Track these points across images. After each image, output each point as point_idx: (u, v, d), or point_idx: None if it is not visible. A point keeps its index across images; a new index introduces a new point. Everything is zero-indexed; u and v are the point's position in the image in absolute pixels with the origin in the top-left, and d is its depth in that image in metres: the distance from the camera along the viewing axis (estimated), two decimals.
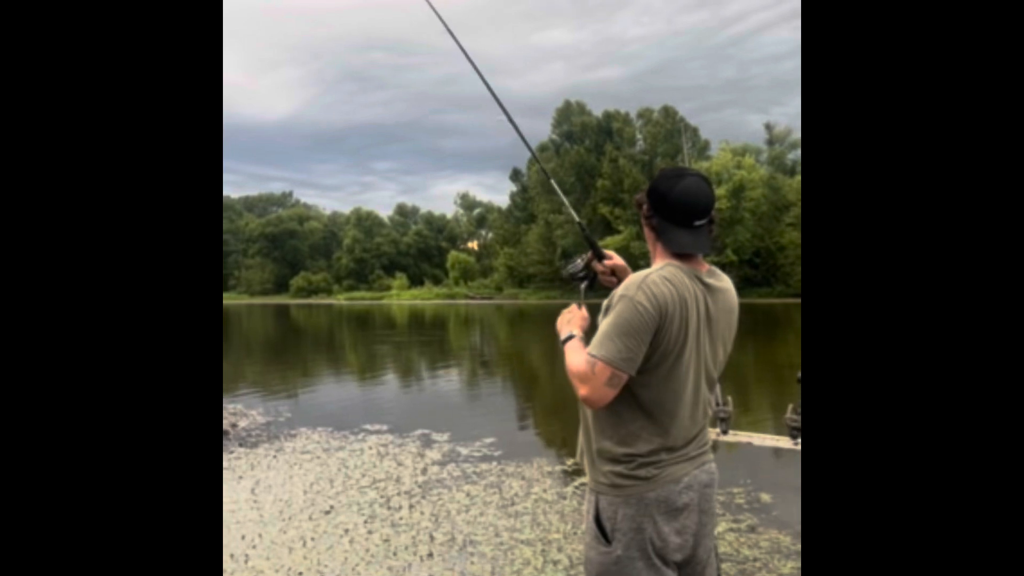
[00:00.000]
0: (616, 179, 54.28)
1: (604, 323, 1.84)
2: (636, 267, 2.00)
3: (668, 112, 58.48)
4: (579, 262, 2.20)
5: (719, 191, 43.07)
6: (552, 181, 2.63)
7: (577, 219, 2.42)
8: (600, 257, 2.20)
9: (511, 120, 2.47)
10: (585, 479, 2.01)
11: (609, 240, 50.39)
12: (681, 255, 1.90)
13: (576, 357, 1.89)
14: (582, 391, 1.83)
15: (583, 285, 2.21)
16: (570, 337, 2.00)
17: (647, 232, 1.98)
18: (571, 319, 2.08)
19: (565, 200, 2.56)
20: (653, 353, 1.82)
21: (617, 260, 2.21)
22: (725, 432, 4.12)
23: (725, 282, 1.98)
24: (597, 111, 62.91)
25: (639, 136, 60.32)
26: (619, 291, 1.85)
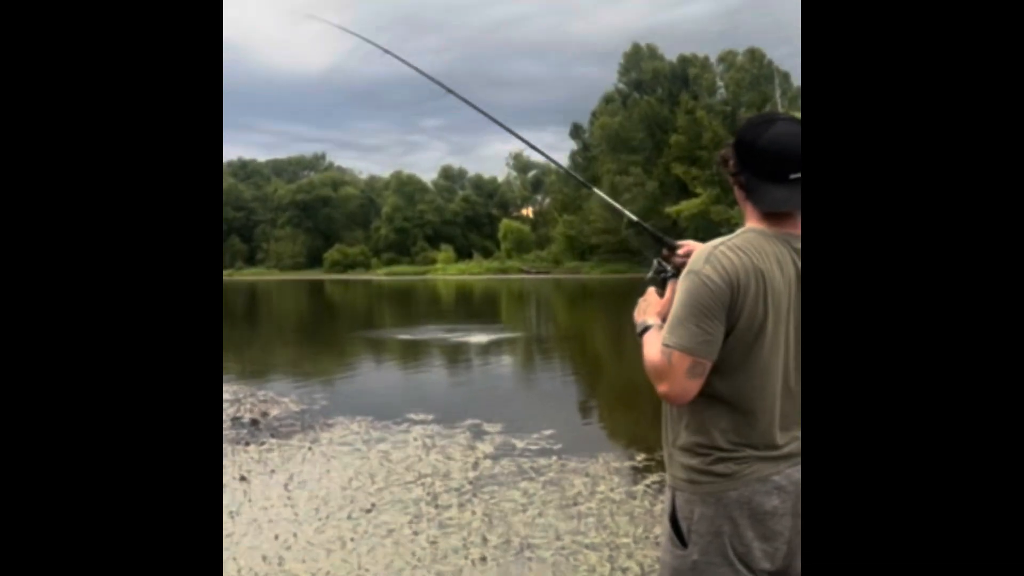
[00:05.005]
0: (693, 134, 53.29)
1: (674, 306, 1.84)
2: (717, 236, 1.98)
3: (754, 55, 56.88)
4: (655, 263, 2.26)
5: None
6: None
7: (635, 219, 2.57)
8: (672, 248, 2.22)
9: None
10: (657, 476, 2.02)
11: (684, 205, 49.71)
12: (774, 215, 1.86)
13: (652, 350, 1.89)
14: (661, 387, 1.84)
15: (670, 281, 2.27)
16: (647, 328, 2.00)
17: (736, 192, 1.94)
18: (647, 307, 2.08)
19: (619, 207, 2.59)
20: (728, 334, 1.80)
21: (690, 245, 2.20)
22: None
23: None
24: (675, 55, 61.81)
25: (720, 84, 59.05)
26: (686, 267, 1.85)
